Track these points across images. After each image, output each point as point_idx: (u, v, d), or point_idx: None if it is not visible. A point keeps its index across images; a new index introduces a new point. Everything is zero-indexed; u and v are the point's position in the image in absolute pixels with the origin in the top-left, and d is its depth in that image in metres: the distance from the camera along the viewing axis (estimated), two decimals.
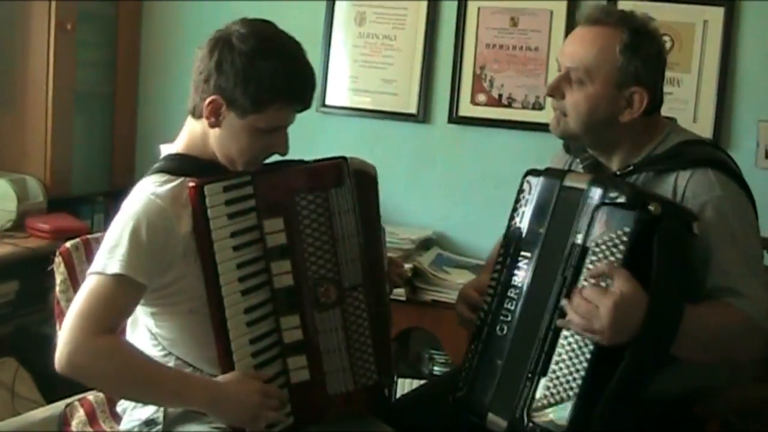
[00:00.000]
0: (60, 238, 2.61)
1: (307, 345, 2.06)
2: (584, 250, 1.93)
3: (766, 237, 2.49)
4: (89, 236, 2.38)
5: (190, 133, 2.09)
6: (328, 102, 3.83)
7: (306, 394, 2.07)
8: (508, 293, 2.08)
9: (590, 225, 1.93)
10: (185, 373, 2.02)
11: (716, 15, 3.37)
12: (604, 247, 1.89)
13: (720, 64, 3.36)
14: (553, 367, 1.93)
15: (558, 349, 1.92)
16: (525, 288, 2.05)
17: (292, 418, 2.06)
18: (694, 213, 1.97)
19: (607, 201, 1.92)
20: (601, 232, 1.91)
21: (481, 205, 3.67)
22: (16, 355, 3.35)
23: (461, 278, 3.29)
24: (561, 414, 1.90)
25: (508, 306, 2.07)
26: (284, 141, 2.06)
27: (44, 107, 3.61)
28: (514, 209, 2.15)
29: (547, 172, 2.13)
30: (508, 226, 2.15)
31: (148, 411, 2.05)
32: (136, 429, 2.07)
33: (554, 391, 1.91)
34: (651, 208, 1.84)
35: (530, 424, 1.94)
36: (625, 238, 1.86)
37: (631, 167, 2.12)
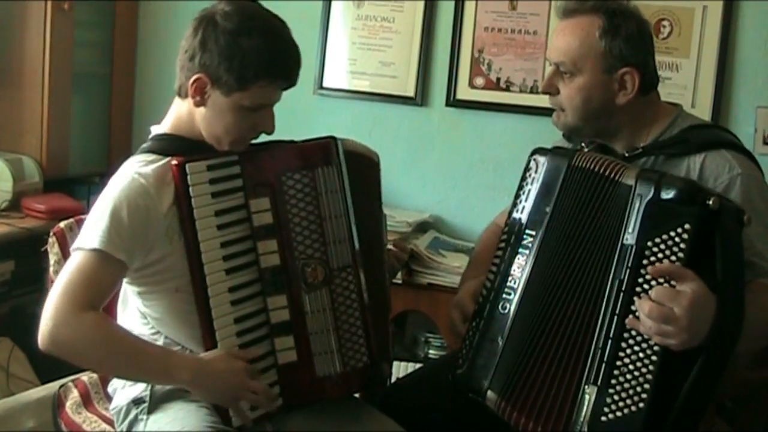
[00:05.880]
0: (56, 219, 2.60)
1: (294, 325, 2.05)
2: (640, 250, 1.83)
3: None
4: (83, 216, 2.38)
5: (177, 113, 2.10)
6: (325, 84, 3.81)
7: (294, 376, 2.06)
8: (511, 271, 2.07)
9: (643, 223, 1.84)
10: (169, 349, 2.02)
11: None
12: (663, 246, 1.80)
13: (719, 49, 3.33)
14: (616, 377, 1.84)
15: (622, 359, 1.83)
16: (529, 267, 2.04)
17: (280, 399, 2.06)
18: (739, 205, 1.89)
19: (662, 198, 1.83)
20: (656, 230, 1.81)
21: (478, 189, 3.67)
22: (11, 335, 3.35)
23: (457, 261, 3.30)
24: (631, 427, 1.81)
25: (511, 284, 2.07)
26: (270, 119, 2.06)
27: (41, 87, 3.60)
28: (520, 187, 2.14)
29: (555, 151, 2.13)
30: (513, 205, 2.14)
31: (136, 390, 2.06)
32: (124, 407, 2.08)
33: (620, 403, 1.82)
34: (710, 203, 1.76)
35: None
36: (685, 236, 1.78)
37: (641, 149, 2.12)
